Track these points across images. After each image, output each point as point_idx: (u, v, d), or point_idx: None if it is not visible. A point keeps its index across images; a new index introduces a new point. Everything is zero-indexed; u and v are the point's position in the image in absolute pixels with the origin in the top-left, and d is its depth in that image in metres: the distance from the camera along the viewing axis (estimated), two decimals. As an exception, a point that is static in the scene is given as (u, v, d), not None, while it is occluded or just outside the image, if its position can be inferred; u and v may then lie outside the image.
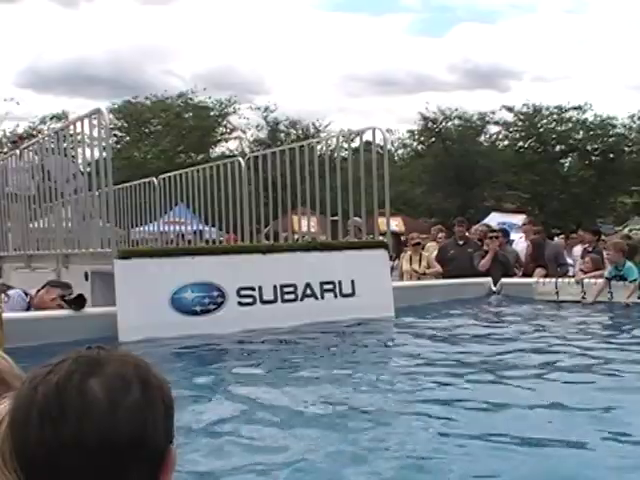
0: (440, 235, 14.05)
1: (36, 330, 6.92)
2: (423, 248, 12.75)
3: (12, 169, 10.69)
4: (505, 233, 13.14)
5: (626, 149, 47.15)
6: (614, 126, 46.62)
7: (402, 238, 15.86)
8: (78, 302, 7.50)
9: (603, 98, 72.65)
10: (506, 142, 49.34)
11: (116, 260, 7.64)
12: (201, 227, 13.56)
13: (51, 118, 44.92)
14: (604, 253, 11.32)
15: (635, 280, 9.85)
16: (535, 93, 78.64)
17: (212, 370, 6.25)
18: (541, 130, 47.05)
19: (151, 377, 1.18)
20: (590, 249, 12.14)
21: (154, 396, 1.17)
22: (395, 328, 8.56)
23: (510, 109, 47.14)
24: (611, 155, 46.35)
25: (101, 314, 7.61)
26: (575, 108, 46.67)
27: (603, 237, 14.46)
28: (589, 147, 47.23)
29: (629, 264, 10.01)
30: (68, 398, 1.10)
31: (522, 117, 47.28)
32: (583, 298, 10.14)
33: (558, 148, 48.09)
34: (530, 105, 46.80)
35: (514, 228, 17.28)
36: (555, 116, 47.18)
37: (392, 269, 11.87)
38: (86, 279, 8.34)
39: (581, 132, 47.02)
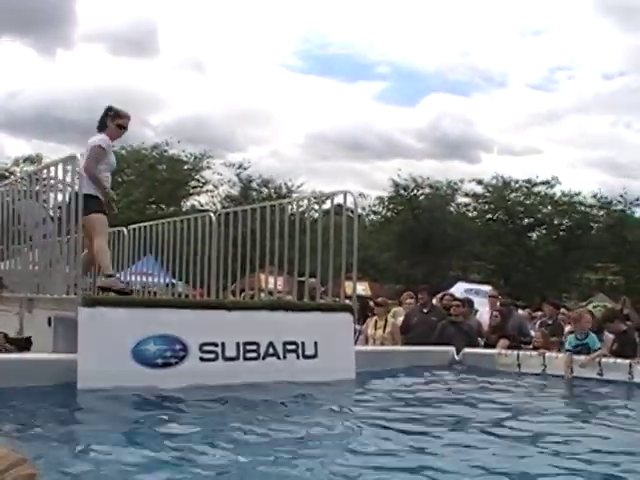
0: (408, 300, 14.08)
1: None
2: (389, 312, 12.81)
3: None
4: (469, 303, 13.23)
5: (593, 225, 48.10)
6: (581, 203, 47.57)
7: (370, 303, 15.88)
8: (25, 345, 7.49)
9: (570, 173, 74.31)
10: (475, 213, 50.01)
11: (80, 307, 7.60)
12: (168, 280, 13.52)
13: (24, 160, 44.86)
14: (565, 326, 11.48)
15: (599, 349, 9.93)
16: (504, 166, 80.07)
17: (159, 424, 6.17)
18: (509, 203, 47.81)
19: None
20: (550, 322, 12.27)
21: None
22: (354, 392, 8.54)
23: (480, 182, 47.96)
24: (579, 231, 47.18)
25: (61, 360, 7.55)
26: (543, 183, 47.63)
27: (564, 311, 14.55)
28: (556, 222, 48.04)
29: (592, 334, 10.12)
30: None
31: (491, 189, 48.06)
32: (544, 371, 10.24)
33: (526, 221, 48.82)
34: (499, 178, 47.69)
35: (481, 294, 17.23)
36: (524, 189, 48.06)
37: (359, 333, 11.91)
38: (49, 324, 8.28)
39: (549, 207, 47.86)
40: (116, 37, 67.49)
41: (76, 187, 8.19)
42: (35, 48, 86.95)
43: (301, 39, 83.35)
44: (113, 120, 8.92)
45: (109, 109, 8.99)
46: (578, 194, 47.49)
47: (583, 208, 47.65)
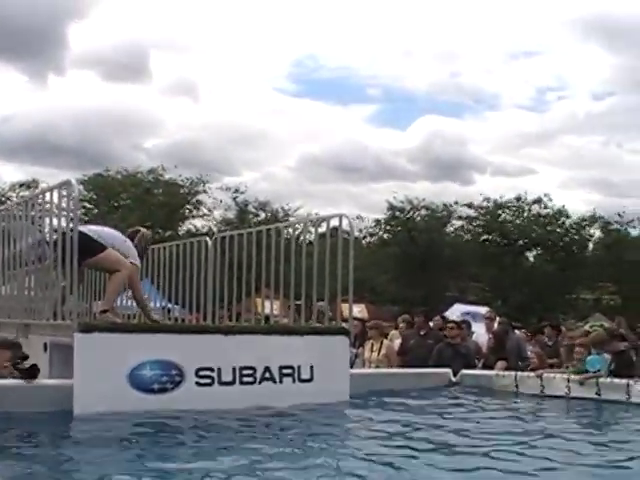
0: (401, 325, 14.07)
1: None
2: (386, 336, 12.77)
3: None
4: (467, 325, 13.21)
5: (588, 243, 48.37)
6: (567, 216, 47.74)
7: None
8: (31, 372, 7.45)
9: (563, 194, 74.81)
10: (469, 235, 50.09)
11: (76, 333, 7.58)
12: (164, 304, 13.47)
13: (20, 186, 44.98)
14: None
15: (599, 370, 9.83)
16: (498, 187, 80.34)
17: (155, 450, 6.16)
18: (502, 224, 47.90)
19: None
20: (550, 343, 12.24)
21: None
22: (348, 414, 8.52)
23: (469, 205, 48.08)
24: (574, 248, 47.31)
25: (57, 386, 7.53)
26: (535, 201, 47.81)
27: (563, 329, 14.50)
28: (550, 242, 48.10)
29: (590, 357, 10.02)
30: None
31: (482, 212, 48.19)
32: (542, 392, 10.21)
33: (521, 242, 48.86)
34: (490, 200, 47.83)
35: (478, 317, 17.26)
36: (515, 209, 48.24)
37: (356, 356, 11.87)
38: (45, 350, 8.25)
39: (538, 227, 47.97)
40: (107, 62, 67.93)
41: (71, 215, 8.21)
42: (26, 73, 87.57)
43: (294, 62, 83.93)
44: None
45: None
46: (562, 209, 47.74)
47: (571, 223, 47.87)
